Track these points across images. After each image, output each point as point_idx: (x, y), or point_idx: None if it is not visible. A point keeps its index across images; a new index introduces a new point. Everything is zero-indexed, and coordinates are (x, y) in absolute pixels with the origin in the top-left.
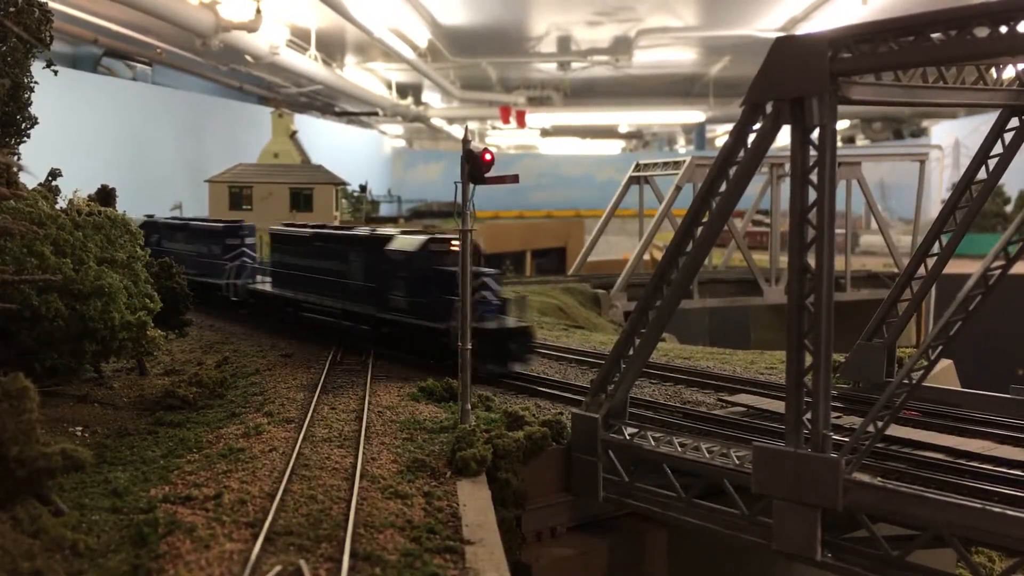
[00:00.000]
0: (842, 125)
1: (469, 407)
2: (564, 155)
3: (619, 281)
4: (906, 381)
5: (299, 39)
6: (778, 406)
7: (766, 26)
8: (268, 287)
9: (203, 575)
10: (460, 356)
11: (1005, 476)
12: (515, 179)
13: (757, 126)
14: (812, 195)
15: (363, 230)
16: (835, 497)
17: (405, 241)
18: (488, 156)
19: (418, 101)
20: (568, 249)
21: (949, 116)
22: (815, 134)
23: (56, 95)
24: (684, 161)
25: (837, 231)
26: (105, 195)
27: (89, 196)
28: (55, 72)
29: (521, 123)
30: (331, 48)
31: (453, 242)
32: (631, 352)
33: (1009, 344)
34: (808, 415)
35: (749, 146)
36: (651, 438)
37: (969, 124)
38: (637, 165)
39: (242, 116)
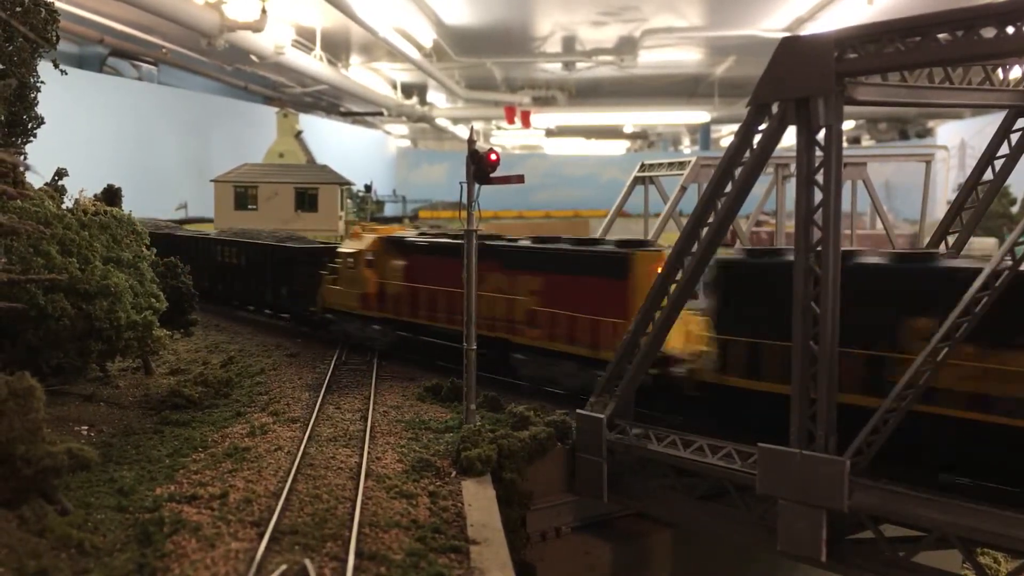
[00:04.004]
0: (847, 125)
1: (474, 407)
2: (569, 155)
3: None
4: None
5: (304, 39)
6: None
7: (771, 26)
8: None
9: (208, 574)
10: (465, 356)
11: None
12: (520, 179)
13: (763, 126)
14: (818, 196)
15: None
16: (840, 498)
17: None
18: (493, 156)
19: (423, 101)
20: None
21: (955, 117)
22: (821, 134)
23: (62, 95)
24: (689, 161)
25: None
26: (111, 195)
27: (95, 196)
28: (63, 72)
29: (526, 123)
30: (336, 48)
31: None
32: (636, 353)
33: None
34: (813, 416)
35: (755, 146)
36: (655, 438)
37: (975, 125)
38: (642, 165)
39: (247, 116)
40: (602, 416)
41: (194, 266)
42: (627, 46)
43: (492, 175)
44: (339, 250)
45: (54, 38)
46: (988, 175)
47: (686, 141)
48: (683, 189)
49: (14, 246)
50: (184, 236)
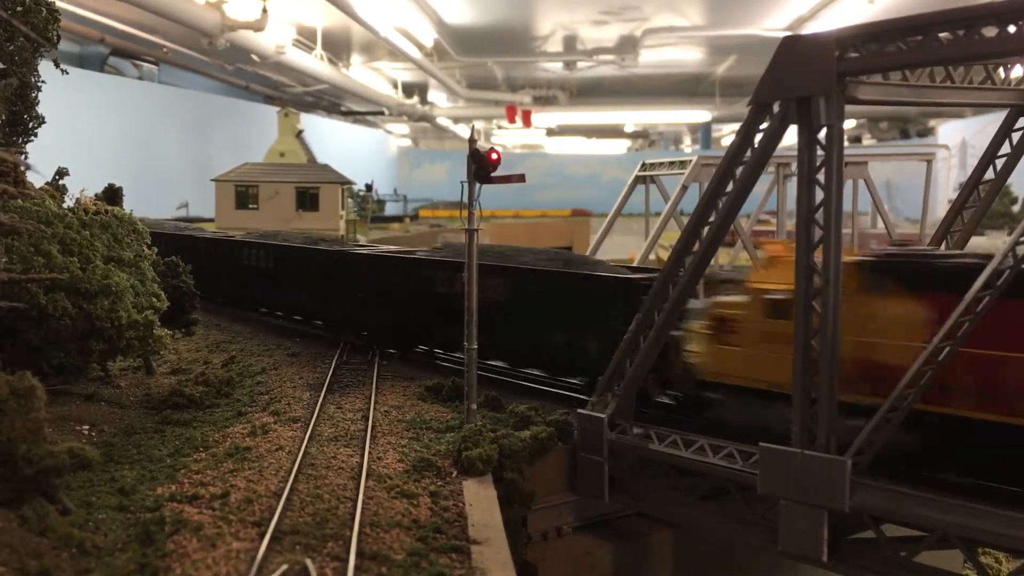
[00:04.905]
0: (848, 124)
1: (475, 407)
2: (570, 155)
3: None
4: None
5: (305, 38)
6: None
7: (772, 25)
8: None
9: (210, 574)
10: (467, 356)
11: None
12: (521, 178)
13: (764, 126)
14: (819, 195)
15: None
16: (842, 498)
17: None
18: (495, 156)
19: (424, 100)
20: (573, 248)
21: (956, 116)
22: (822, 134)
23: (63, 94)
24: (690, 161)
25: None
26: (112, 194)
27: (96, 195)
28: (64, 72)
29: (527, 122)
30: (337, 47)
31: None
32: (637, 352)
33: None
34: (815, 416)
35: (756, 146)
36: (657, 438)
37: (976, 124)
38: (643, 164)
39: (248, 115)
40: (603, 416)
41: (387, 294)
42: (628, 45)
43: (493, 174)
44: (749, 284)
45: (55, 37)
46: (989, 174)
47: (687, 140)
48: (684, 188)
49: (15, 245)
50: (369, 256)
